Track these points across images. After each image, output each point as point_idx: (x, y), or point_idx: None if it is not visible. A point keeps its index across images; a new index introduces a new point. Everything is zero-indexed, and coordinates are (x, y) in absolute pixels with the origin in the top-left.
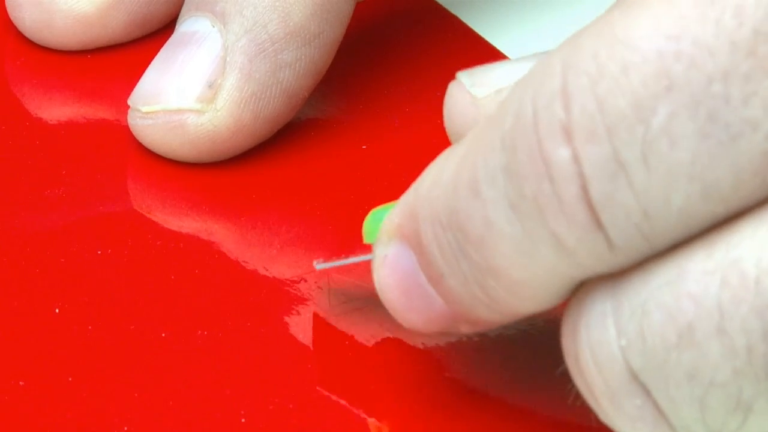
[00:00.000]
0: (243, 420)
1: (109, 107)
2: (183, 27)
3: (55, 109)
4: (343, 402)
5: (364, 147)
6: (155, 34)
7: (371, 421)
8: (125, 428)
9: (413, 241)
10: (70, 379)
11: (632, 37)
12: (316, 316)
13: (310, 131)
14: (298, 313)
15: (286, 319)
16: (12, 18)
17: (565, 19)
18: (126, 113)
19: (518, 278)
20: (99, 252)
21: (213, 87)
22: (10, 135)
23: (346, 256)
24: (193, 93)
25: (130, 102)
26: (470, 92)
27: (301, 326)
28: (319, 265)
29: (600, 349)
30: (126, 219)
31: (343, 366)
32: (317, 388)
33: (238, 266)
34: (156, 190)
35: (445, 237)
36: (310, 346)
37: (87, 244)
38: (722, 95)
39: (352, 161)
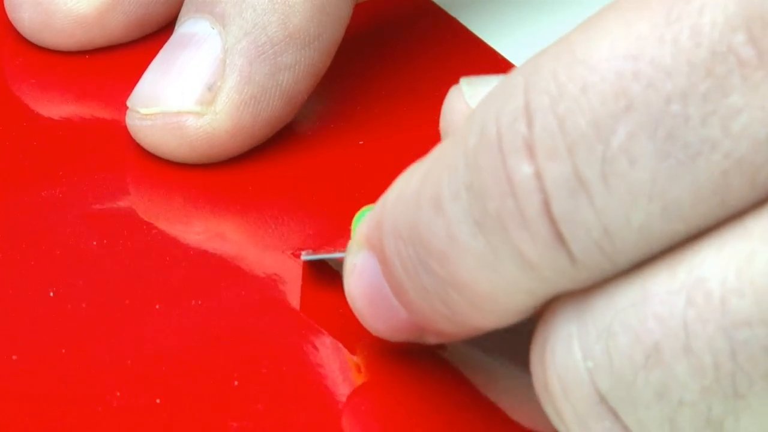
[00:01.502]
0: (236, 383)
1: (108, 107)
2: (182, 28)
3: (53, 109)
4: (327, 350)
5: (361, 142)
6: (154, 35)
7: (353, 359)
8: (117, 394)
9: (378, 252)
10: (63, 350)
11: (591, 57)
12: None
13: (307, 131)
14: (291, 306)
15: (282, 300)
16: (11, 18)
17: (565, 21)
18: (124, 114)
19: (482, 292)
20: (95, 243)
21: (212, 89)
22: (8, 135)
23: (334, 250)
24: (193, 95)
25: (128, 103)
26: (467, 101)
27: (294, 317)
28: (306, 257)
29: (567, 373)
30: (123, 219)
31: (329, 318)
32: (306, 344)
33: (233, 258)
34: (153, 189)
35: (406, 251)
36: (302, 323)
37: (83, 239)
38: (681, 115)
39: (350, 160)
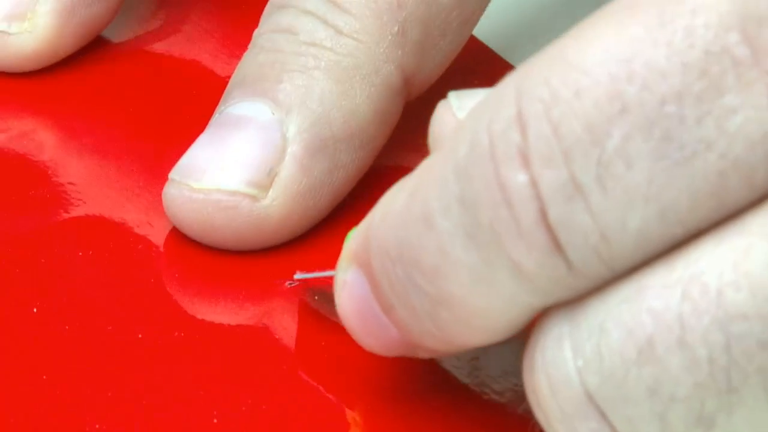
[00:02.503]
0: (215, 420)
1: (92, 110)
2: (237, 109)
3: (35, 111)
4: (318, 397)
5: None
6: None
7: (349, 414)
8: (96, 426)
9: (366, 270)
10: (44, 377)
11: (584, 62)
12: (301, 308)
13: None
14: (278, 318)
15: (266, 324)
16: None
17: (564, 23)
18: (108, 120)
19: (473, 308)
20: (80, 253)
21: (270, 175)
22: None
23: (325, 270)
24: (250, 178)
25: (174, 175)
26: (455, 114)
27: (278, 330)
28: (299, 275)
29: (555, 372)
30: (108, 222)
31: (322, 361)
32: (296, 384)
33: (220, 270)
34: (140, 194)
35: (394, 270)
36: (285, 346)
37: (68, 246)
38: (676, 116)
39: None
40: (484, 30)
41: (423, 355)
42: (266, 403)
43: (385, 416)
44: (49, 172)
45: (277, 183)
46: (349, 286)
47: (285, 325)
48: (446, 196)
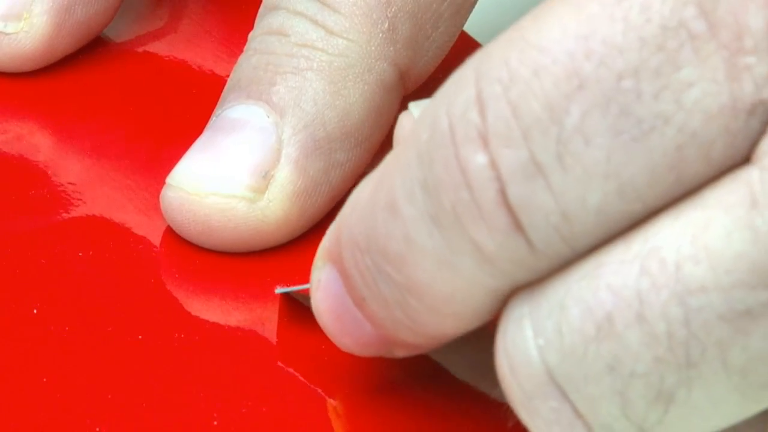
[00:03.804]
0: (215, 423)
1: (91, 111)
2: (232, 113)
3: (35, 111)
4: (318, 398)
5: None
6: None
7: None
8: (97, 429)
9: (338, 264)
10: (44, 378)
11: (542, 41)
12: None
13: None
14: (278, 320)
15: (266, 325)
16: None
17: None
18: (109, 118)
19: (441, 294)
20: (80, 254)
21: (266, 177)
22: None
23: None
24: (246, 181)
25: (171, 180)
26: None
27: (279, 332)
28: (279, 290)
29: (516, 352)
30: (108, 222)
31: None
32: (289, 389)
33: (220, 270)
34: (140, 194)
35: (363, 261)
36: (286, 348)
37: (68, 246)
38: (633, 91)
39: None
40: (484, 30)
41: (399, 353)
42: (266, 404)
43: (387, 417)
44: (49, 172)
45: (274, 185)
46: (323, 285)
47: (286, 327)
48: (409, 182)
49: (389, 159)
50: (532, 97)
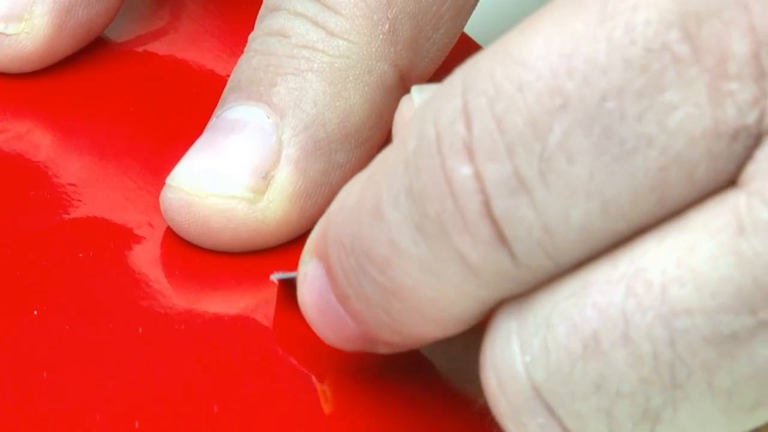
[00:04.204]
0: (215, 409)
1: (92, 111)
2: (232, 114)
3: (35, 112)
4: (316, 387)
5: None
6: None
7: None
8: (97, 417)
9: (324, 260)
10: (45, 379)
11: (526, 57)
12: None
13: None
14: (276, 312)
15: (264, 317)
16: None
17: None
18: (113, 114)
19: (423, 299)
20: (81, 254)
21: (266, 178)
22: None
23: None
24: (246, 182)
25: (171, 181)
26: (415, 108)
27: (276, 323)
28: (275, 276)
29: (503, 367)
30: (109, 223)
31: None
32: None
33: (220, 270)
34: (141, 194)
35: (348, 260)
36: (284, 338)
37: (68, 247)
38: (616, 112)
39: None
40: (483, 30)
41: (383, 349)
42: (265, 393)
43: (386, 406)
44: (50, 173)
45: (273, 186)
46: (309, 279)
47: (284, 318)
48: (396, 187)
49: (378, 161)
50: (516, 112)
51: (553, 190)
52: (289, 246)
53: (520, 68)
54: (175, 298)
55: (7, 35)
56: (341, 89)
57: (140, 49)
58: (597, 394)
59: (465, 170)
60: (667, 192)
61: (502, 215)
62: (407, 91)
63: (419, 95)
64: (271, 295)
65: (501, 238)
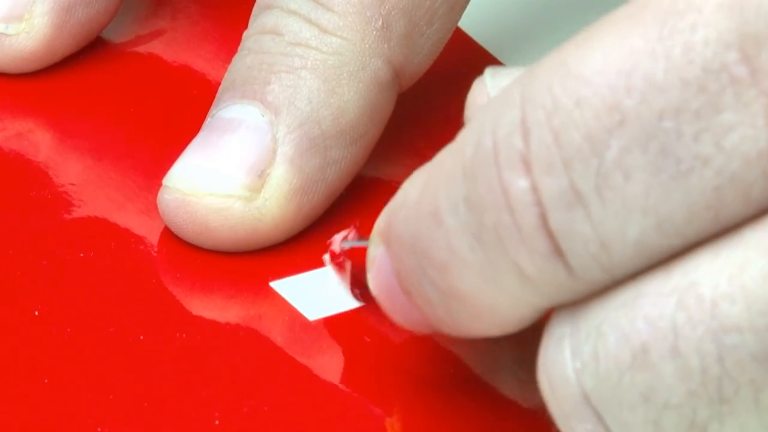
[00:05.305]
0: (217, 422)
1: (91, 111)
2: (227, 113)
3: (36, 112)
4: (320, 397)
5: None
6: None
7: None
8: (98, 429)
9: (390, 252)
10: (46, 380)
11: (584, 71)
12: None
13: None
14: (279, 318)
15: (267, 324)
16: None
17: (562, 26)
18: (111, 113)
19: (482, 304)
20: (81, 255)
21: (262, 176)
22: None
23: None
24: (242, 180)
25: (167, 182)
26: (489, 92)
27: (279, 330)
28: (345, 243)
29: (555, 372)
30: (109, 223)
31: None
32: (294, 388)
33: (221, 270)
34: (141, 194)
35: (409, 260)
36: (287, 347)
37: (69, 247)
38: (673, 131)
39: None
40: (483, 30)
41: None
42: (268, 403)
43: (390, 416)
44: (50, 173)
45: (270, 183)
46: (377, 265)
47: (286, 326)
48: (454, 195)
49: (436, 163)
50: (574, 127)
51: (609, 206)
52: (287, 246)
53: (578, 83)
54: (175, 300)
55: (8, 35)
56: (335, 86)
57: (139, 50)
58: (645, 405)
59: (522, 183)
60: (722, 210)
61: (558, 228)
62: (401, 87)
63: (492, 79)
64: (278, 301)
65: (557, 251)
